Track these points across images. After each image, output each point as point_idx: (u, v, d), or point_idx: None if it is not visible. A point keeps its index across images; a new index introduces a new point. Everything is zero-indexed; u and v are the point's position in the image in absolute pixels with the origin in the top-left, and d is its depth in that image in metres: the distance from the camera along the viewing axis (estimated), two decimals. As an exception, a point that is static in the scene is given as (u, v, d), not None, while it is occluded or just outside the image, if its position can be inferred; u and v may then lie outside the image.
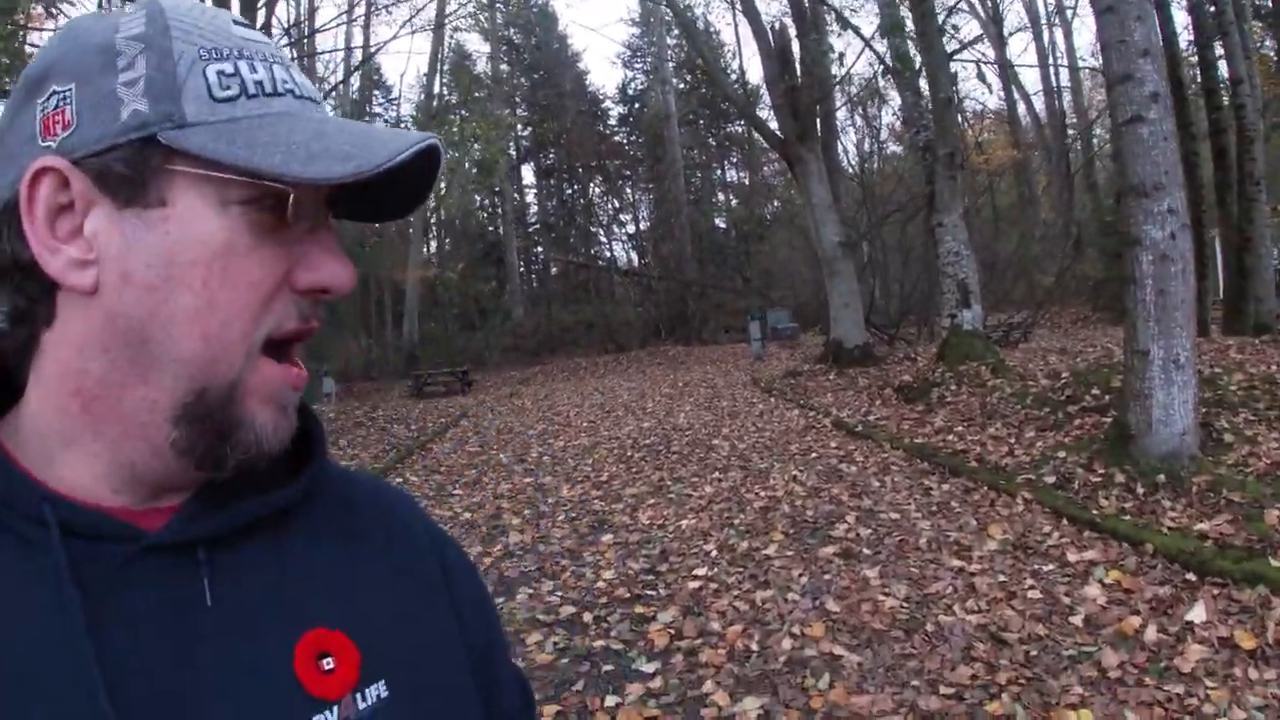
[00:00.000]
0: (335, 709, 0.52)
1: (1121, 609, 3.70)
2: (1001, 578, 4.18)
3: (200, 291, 0.49)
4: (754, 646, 3.65)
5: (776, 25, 14.29)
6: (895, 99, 23.63)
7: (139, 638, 0.48)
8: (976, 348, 9.33)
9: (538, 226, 35.40)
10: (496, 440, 10.88)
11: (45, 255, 0.49)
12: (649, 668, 3.56)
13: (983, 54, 18.81)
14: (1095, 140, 22.91)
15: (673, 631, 3.86)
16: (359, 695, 0.53)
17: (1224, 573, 3.78)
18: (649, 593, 4.41)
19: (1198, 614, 3.49)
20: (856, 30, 10.56)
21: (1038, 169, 24.90)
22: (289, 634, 0.53)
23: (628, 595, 4.38)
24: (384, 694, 0.54)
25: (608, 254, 33.71)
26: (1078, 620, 3.63)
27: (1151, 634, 3.41)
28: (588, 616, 4.16)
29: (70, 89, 0.49)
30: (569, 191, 34.27)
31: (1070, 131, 22.68)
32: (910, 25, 9.97)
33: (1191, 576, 3.86)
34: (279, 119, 0.51)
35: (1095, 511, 4.76)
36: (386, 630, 0.57)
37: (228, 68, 0.50)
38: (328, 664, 0.53)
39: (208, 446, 0.51)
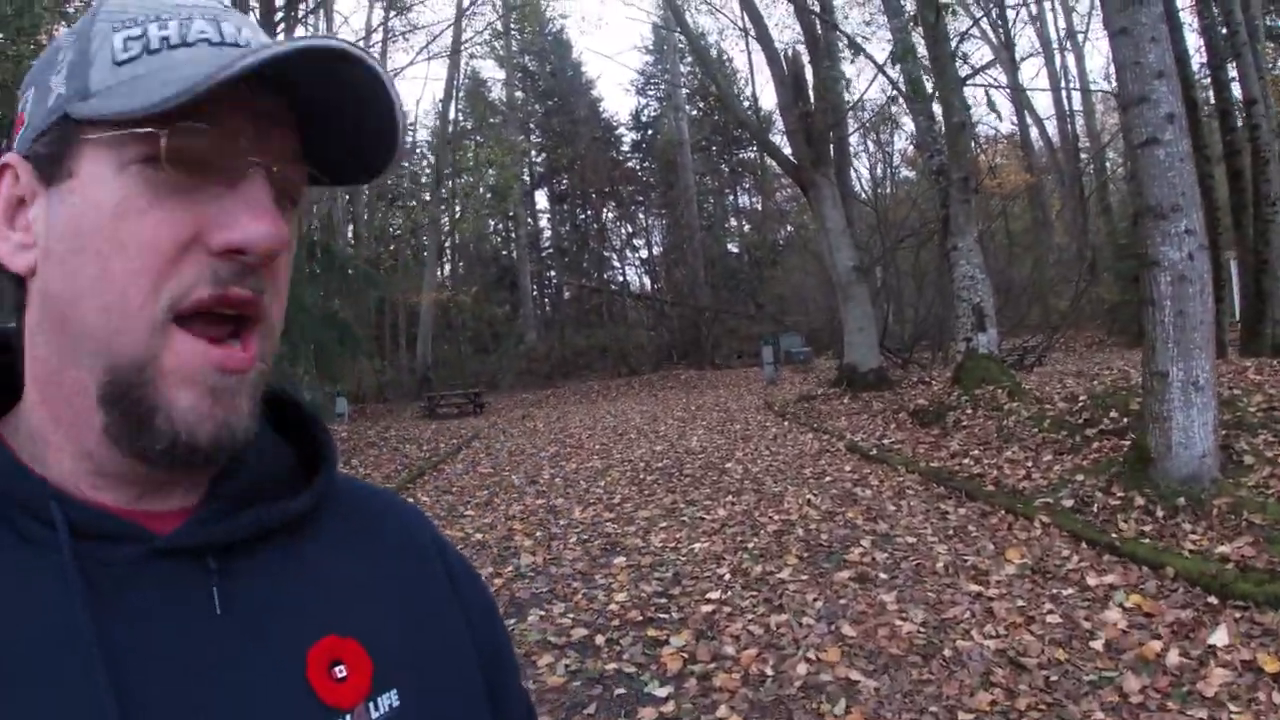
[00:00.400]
0: (348, 718, 0.51)
1: (1142, 633, 3.64)
2: (1020, 602, 4.11)
3: (96, 259, 0.47)
4: (768, 671, 3.59)
5: (790, 52, 14.43)
6: (908, 124, 23.81)
7: (147, 642, 0.47)
8: (992, 371, 9.27)
9: (551, 251, 35.63)
10: (509, 462, 10.86)
11: (1, 245, 0.51)
12: (662, 692, 3.51)
13: (994, 79, 18.89)
14: (1108, 164, 22.88)
15: (686, 655, 3.81)
16: (371, 704, 0.52)
17: (1246, 595, 3.72)
18: (662, 616, 4.36)
19: (1220, 637, 3.43)
20: (869, 56, 10.64)
21: (1051, 193, 24.87)
22: (301, 641, 0.51)
23: (640, 618, 4.34)
24: (396, 703, 0.53)
25: (621, 279, 33.86)
26: (1098, 645, 3.57)
27: (1173, 658, 3.35)
28: (600, 639, 4.11)
29: (30, 92, 0.52)
30: (582, 217, 34.48)
31: (1083, 155, 22.64)
32: (923, 50, 10.00)
33: (1213, 600, 3.81)
34: (173, 68, 0.48)
35: (1115, 535, 4.69)
36: (398, 639, 0.56)
37: (135, 31, 0.49)
38: (340, 672, 0.52)
39: (130, 435, 0.48)
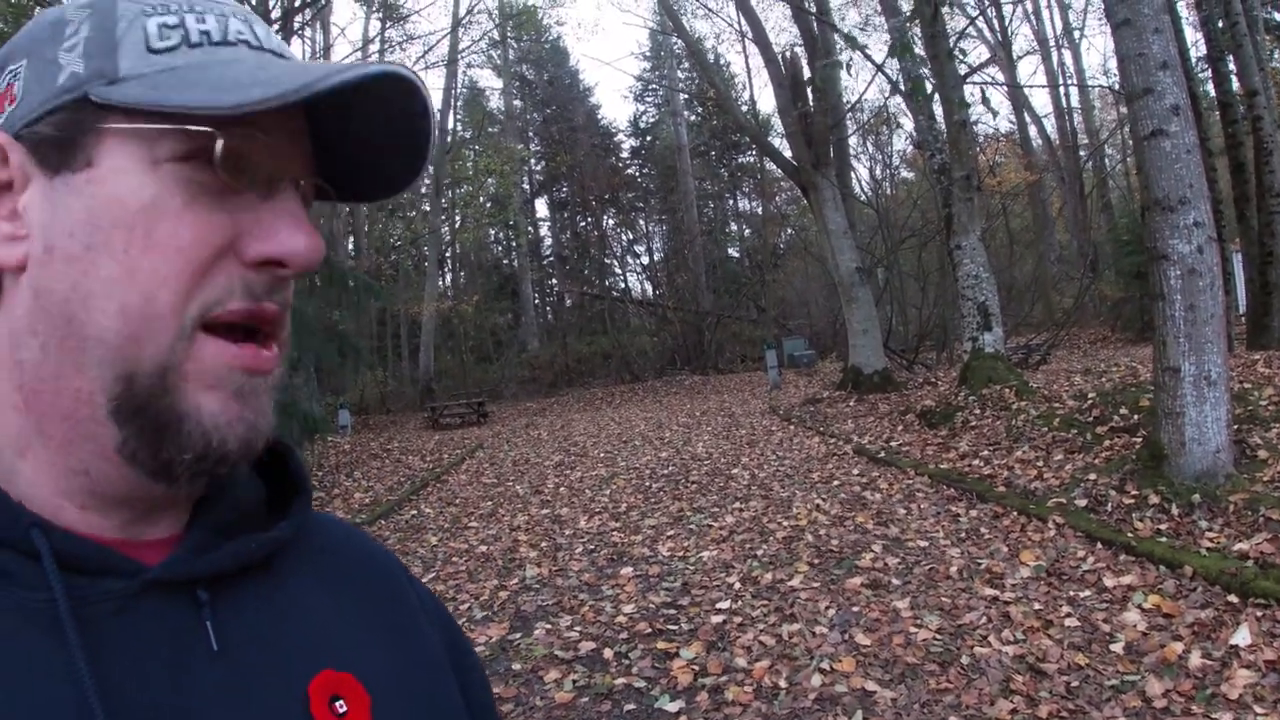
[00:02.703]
0: None
1: (1163, 634, 3.57)
2: (1037, 606, 4.03)
3: (120, 258, 0.43)
4: (782, 683, 3.51)
5: (788, 54, 14.35)
6: (906, 125, 23.78)
7: (145, 683, 0.44)
8: (999, 370, 9.18)
9: (552, 259, 35.59)
10: (513, 472, 10.79)
11: None
12: (673, 706, 3.43)
13: (992, 77, 18.84)
14: (1107, 160, 22.81)
15: (697, 668, 3.73)
16: None
17: (1268, 594, 3.64)
18: (671, 627, 4.28)
19: (1242, 637, 3.37)
20: (866, 55, 10.53)
21: (1052, 191, 24.80)
22: (301, 676, 0.49)
23: (649, 630, 4.25)
24: None
25: (622, 285, 33.78)
26: (1118, 648, 3.50)
27: (1196, 660, 3.29)
28: (608, 653, 4.03)
29: (22, 64, 0.47)
30: (583, 224, 34.45)
31: (1082, 153, 22.57)
32: (920, 49, 9.94)
33: (1233, 599, 3.73)
34: (223, 65, 0.46)
35: (1130, 534, 4.61)
36: (388, 672, 0.54)
37: (171, 20, 0.46)
38: (341, 707, 0.49)
39: (151, 448, 0.45)
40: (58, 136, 0.45)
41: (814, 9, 13.26)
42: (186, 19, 0.47)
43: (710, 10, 21.11)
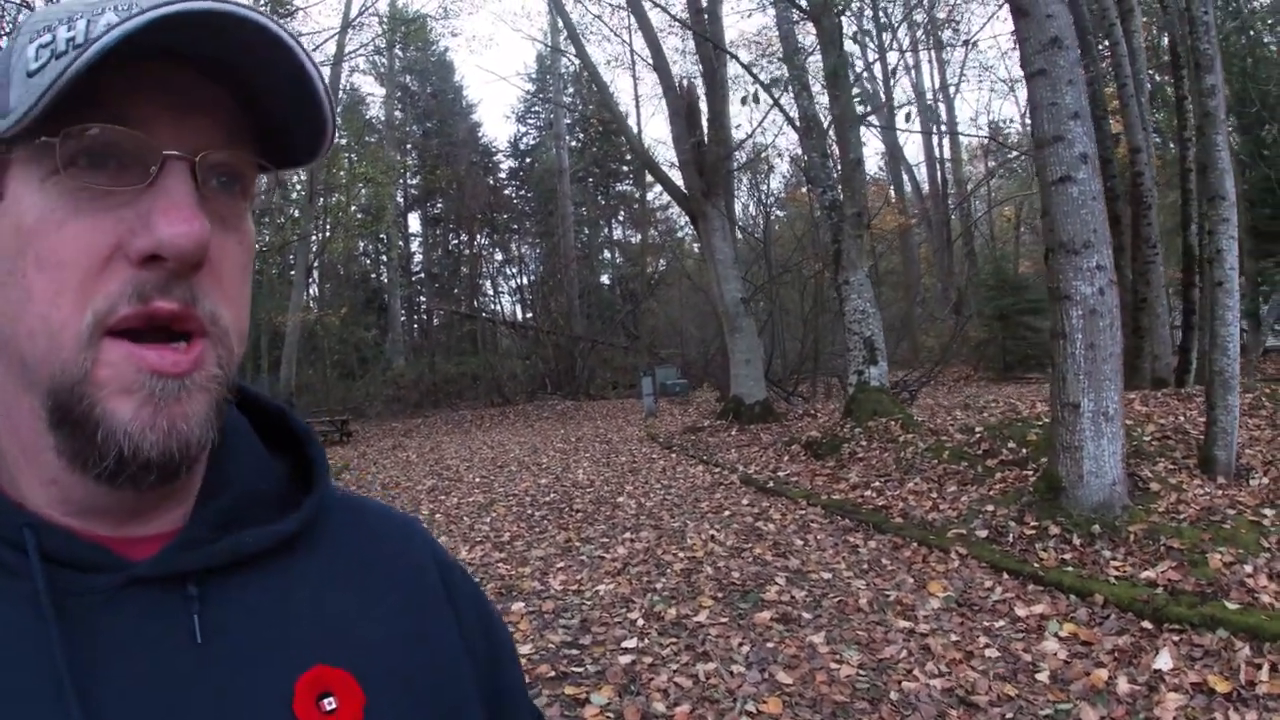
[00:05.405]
0: None
1: (1085, 662, 3.55)
2: (954, 637, 3.92)
3: (22, 281, 0.45)
4: (706, 729, 3.20)
5: (685, 83, 14.40)
6: (781, 166, 24.52)
7: (124, 676, 0.45)
8: (884, 404, 9.31)
9: (422, 275, 34.45)
10: (383, 496, 10.03)
11: None
12: (588, 761, 3.06)
13: (873, 124, 19.66)
14: (974, 210, 24.26)
15: (611, 715, 3.36)
16: None
17: (1181, 619, 3.71)
18: (576, 670, 3.88)
19: (1164, 662, 3.41)
20: (765, 86, 10.61)
21: (921, 239, 26.13)
22: (288, 672, 0.49)
23: (552, 674, 3.84)
24: None
25: (493, 306, 33.06)
26: (1044, 677, 3.46)
27: (1123, 686, 3.29)
28: (509, 699, 3.60)
29: None
30: (455, 241, 33.57)
31: (950, 202, 23.93)
32: (818, 88, 10.13)
33: (1148, 625, 3.78)
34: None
35: (1036, 564, 4.61)
36: (393, 670, 0.53)
37: (46, 39, 0.45)
38: (329, 704, 0.49)
39: (83, 457, 0.46)
40: None
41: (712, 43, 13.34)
42: (58, 32, 0.45)
43: (613, 31, 21.10)
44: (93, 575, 0.46)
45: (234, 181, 0.49)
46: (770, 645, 4.00)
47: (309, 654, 0.50)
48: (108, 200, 0.44)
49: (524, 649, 4.17)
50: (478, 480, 10.82)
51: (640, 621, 4.49)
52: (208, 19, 0.43)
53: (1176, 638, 3.60)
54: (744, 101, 9.61)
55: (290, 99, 0.48)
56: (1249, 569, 4.05)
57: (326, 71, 22.32)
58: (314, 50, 17.30)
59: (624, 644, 4.15)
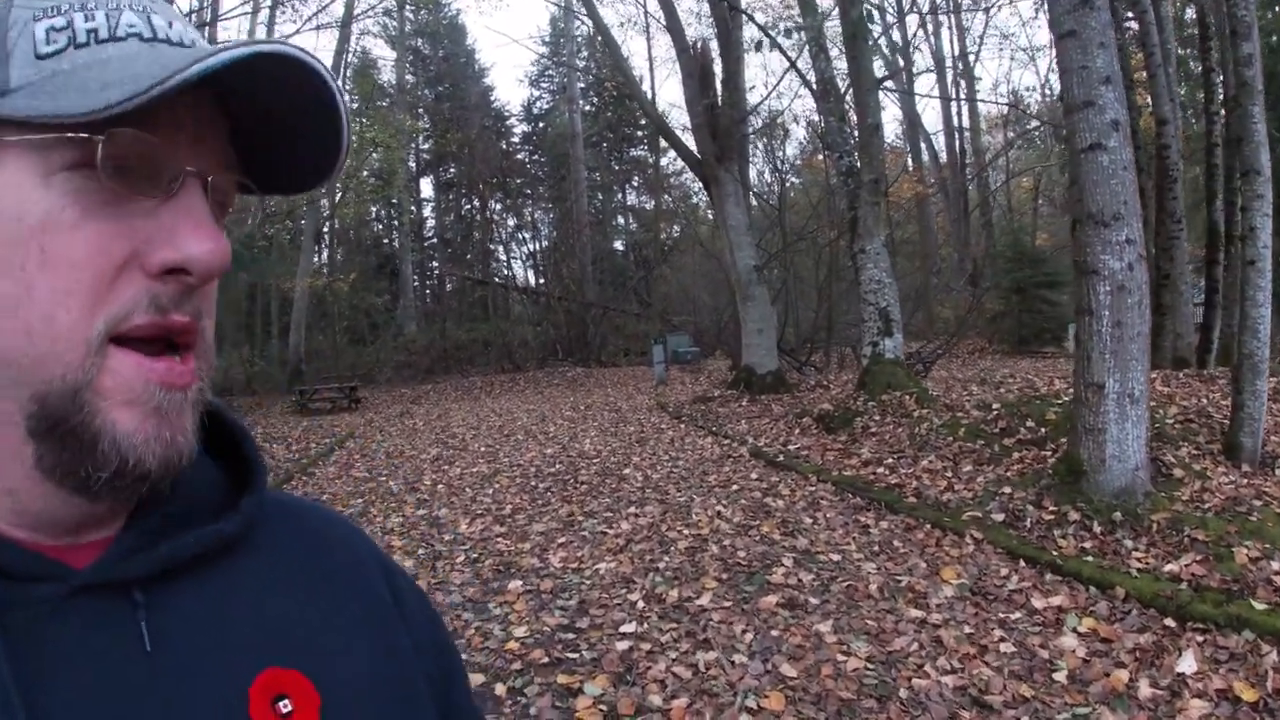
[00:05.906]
0: None
1: (1105, 661, 3.36)
2: (968, 629, 3.75)
3: (18, 276, 0.42)
4: (703, 725, 3.05)
5: (698, 45, 13.99)
6: (797, 131, 24.03)
7: (73, 688, 0.43)
8: (899, 377, 9.08)
9: (434, 241, 34.23)
10: (386, 465, 9.95)
11: None
12: (578, 757, 2.91)
13: (891, 89, 19.16)
14: (991, 180, 23.75)
15: (605, 707, 3.21)
16: None
17: (1206, 618, 3.50)
18: (570, 655, 3.74)
19: (1188, 664, 3.21)
20: (782, 49, 10.26)
21: (938, 213, 25.64)
22: (241, 675, 0.48)
23: (546, 659, 3.69)
24: None
25: (506, 272, 32.82)
26: (1061, 677, 3.27)
27: (1145, 689, 3.09)
28: (500, 689, 3.45)
29: None
30: (468, 206, 33.26)
31: (968, 172, 23.42)
32: (836, 51, 9.76)
33: (1170, 622, 3.58)
34: (107, 64, 0.44)
35: (1055, 552, 4.41)
36: (344, 670, 0.52)
37: (59, 21, 0.44)
38: (285, 707, 0.48)
39: (68, 465, 0.44)
40: None
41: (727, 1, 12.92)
42: (75, 19, 0.44)
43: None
44: (33, 585, 0.44)
45: (226, 203, 0.50)
46: (775, 633, 3.84)
47: (260, 656, 0.49)
48: (124, 206, 0.44)
49: (518, 632, 4.03)
50: (483, 449, 10.71)
51: (640, 604, 4.35)
52: (285, 62, 0.43)
53: (1201, 638, 3.40)
54: (758, 47, 9.25)
55: (313, 142, 0.49)
56: (1276, 565, 3.84)
57: (333, 40, 21.94)
58: (322, 10, 16.96)
59: (622, 628, 4.00)
